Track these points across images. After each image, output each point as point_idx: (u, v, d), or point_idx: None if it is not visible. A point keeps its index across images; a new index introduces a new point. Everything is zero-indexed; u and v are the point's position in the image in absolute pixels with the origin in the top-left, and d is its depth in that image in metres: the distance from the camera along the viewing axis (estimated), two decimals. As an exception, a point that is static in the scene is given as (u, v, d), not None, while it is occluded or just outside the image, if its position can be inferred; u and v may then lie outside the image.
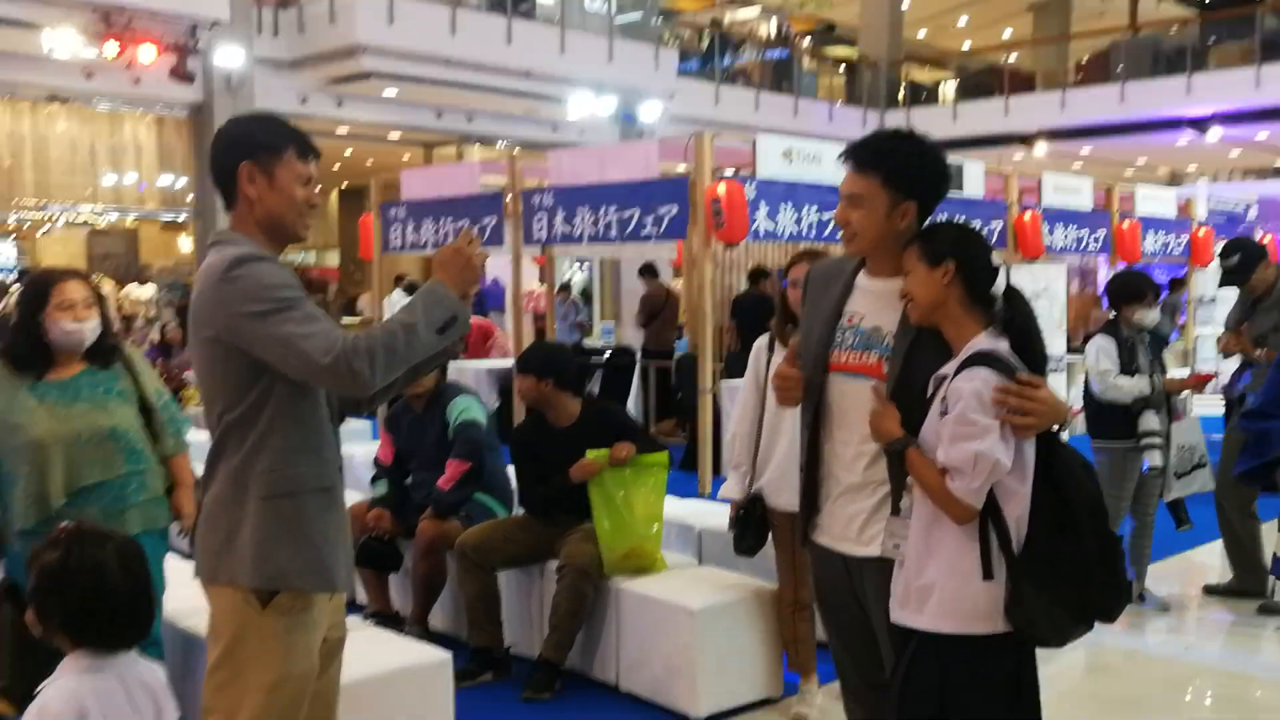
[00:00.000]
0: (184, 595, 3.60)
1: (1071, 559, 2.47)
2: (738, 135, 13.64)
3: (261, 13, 14.64)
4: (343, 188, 23.04)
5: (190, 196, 14.83)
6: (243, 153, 2.57)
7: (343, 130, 16.68)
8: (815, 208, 8.84)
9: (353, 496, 5.63)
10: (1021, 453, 2.50)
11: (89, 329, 3.68)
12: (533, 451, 4.88)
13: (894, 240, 2.68)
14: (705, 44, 20.54)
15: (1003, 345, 2.56)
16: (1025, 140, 20.58)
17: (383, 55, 14.39)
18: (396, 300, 13.10)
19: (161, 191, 15.15)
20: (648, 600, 4.42)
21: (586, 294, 17.87)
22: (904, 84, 22.58)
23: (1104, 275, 13.31)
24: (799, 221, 8.78)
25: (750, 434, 4.18)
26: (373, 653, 3.72)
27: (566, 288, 15.66)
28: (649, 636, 4.42)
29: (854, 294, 2.79)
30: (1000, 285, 2.60)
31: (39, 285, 3.73)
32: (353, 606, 5.43)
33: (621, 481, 4.61)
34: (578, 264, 18.01)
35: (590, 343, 14.03)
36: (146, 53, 12.89)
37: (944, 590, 2.50)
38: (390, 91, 15.46)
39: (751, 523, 4.16)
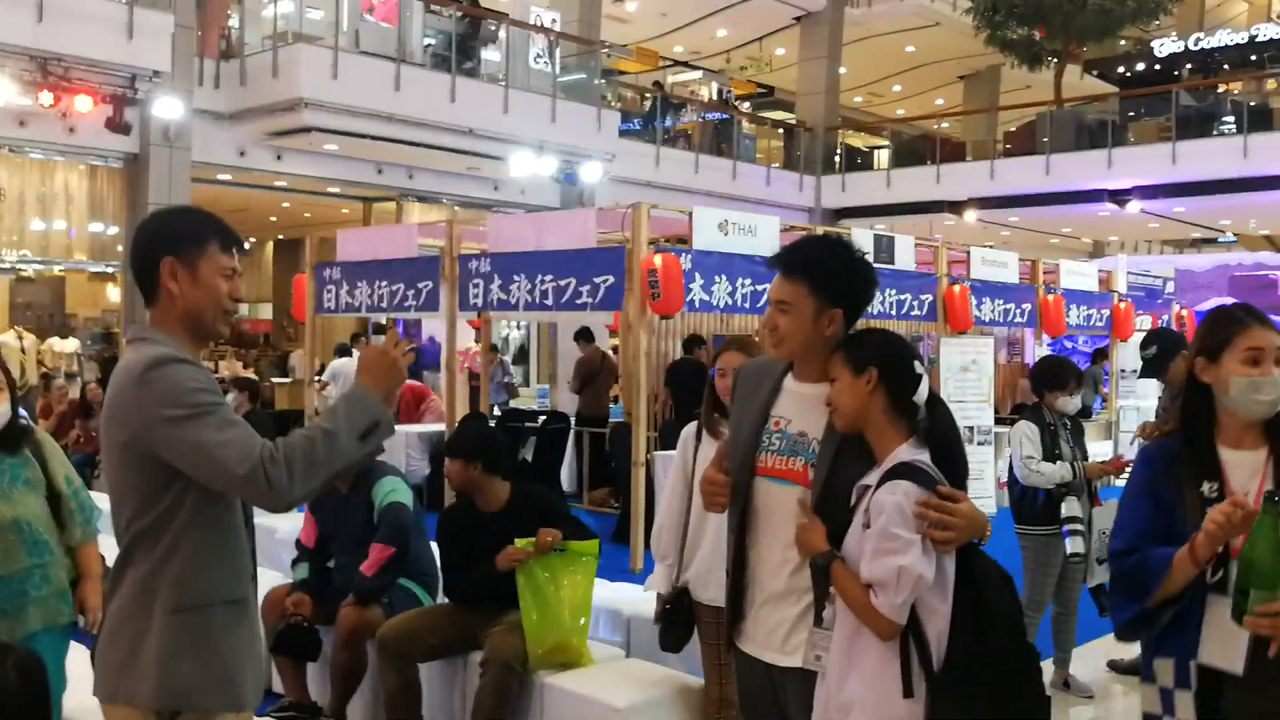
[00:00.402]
0: (86, 690, 3.48)
1: (991, 675, 2.46)
2: (677, 199, 13.78)
3: (203, 64, 14.54)
4: (278, 239, 22.85)
5: (120, 247, 14.60)
6: (165, 248, 2.53)
7: (281, 183, 16.54)
8: (749, 280, 8.91)
9: (274, 578, 5.55)
10: (942, 567, 2.51)
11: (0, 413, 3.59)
12: (461, 537, 4.79)
13: (820, 346, 2.72)
14: (647, 106, 20.73)
15: (924, 456, 2.58)
16: (955, 207, 20.99)
17: (324, 110, 14.30)
18: (338, 367, 12.97)
19: (91, 240, 14.87)
20: (573, 697, 4.36)
21: (524, 350, 17.82)
22: (840, 149, 22.95)
23: (1030, 346, 13.52)
24: (733, 294, 8.84)
25: (677, 525, 4.13)
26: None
27: (494, 349, 15.63)
28: (574, 733, 4.35)
29: (781, 397, 2.82)
30: (923, 393, 2.62)
31: None
32: (269, 696, 5.34)
33: (550, 569, 4.55)
34: (514, 324, 17.98)
35: (523, 405, 13.98)
36: (83, 103, 12.72)
37: (864, 706, 2.49)
38: (331, 146, 15.36)
39: (678, 617, 4.12)
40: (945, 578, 2.51)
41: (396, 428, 8.59)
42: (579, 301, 8.57)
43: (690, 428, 4.25)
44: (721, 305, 8.82)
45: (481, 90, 15.81)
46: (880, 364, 2.60)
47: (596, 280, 8.44)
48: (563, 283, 8.62)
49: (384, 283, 9.97)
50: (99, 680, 2.51)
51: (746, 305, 9.01)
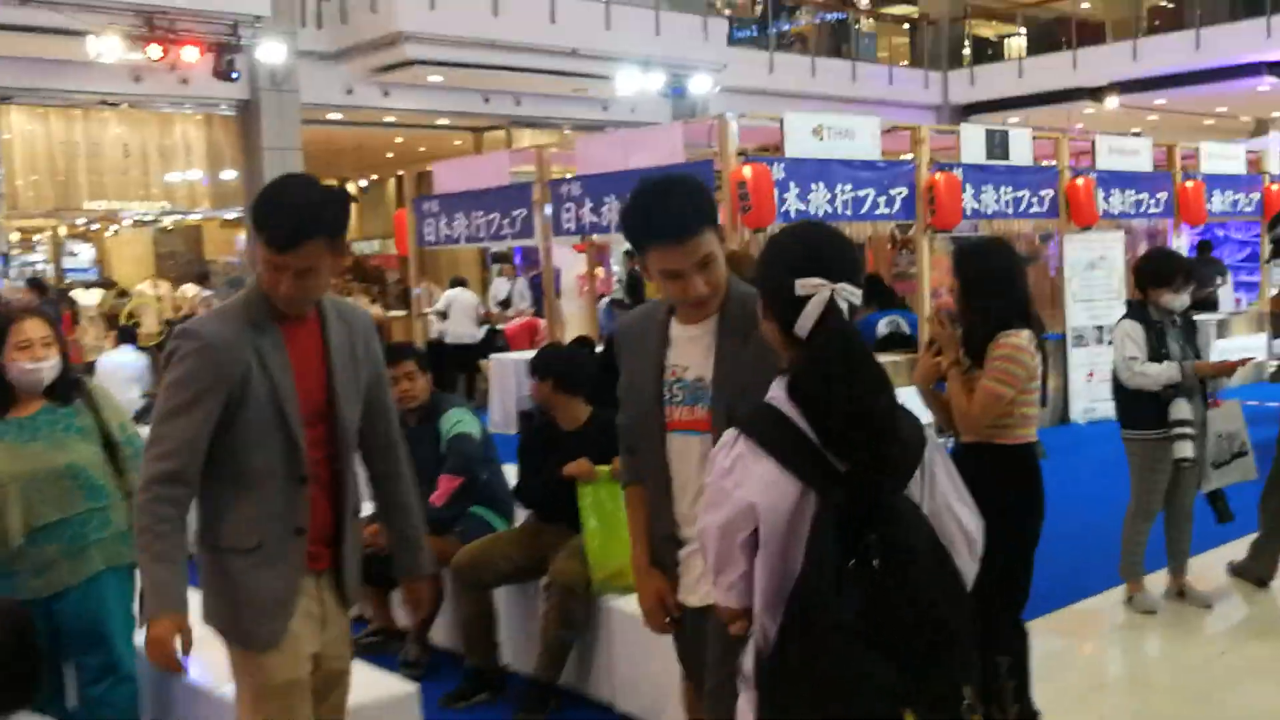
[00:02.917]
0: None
1: (786, 676, 1.97)
2: (793, 105, 13.34)
3: (304, 5, 14.67)
4: (398, 175, 23.13)
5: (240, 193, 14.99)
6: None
7: (390, 119, 16.68)
8: (849, 185, 8.61)
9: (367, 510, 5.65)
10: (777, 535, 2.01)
11: (47, 368, 3.66)
12: (536, 450, 4.84)
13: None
14: (759, 10, 20.13)
15: (780, 391, 2.07)
16: (1095, 94, 19.84)
17: (425, 42, 14.34)
18: (452, 296, 13.09)
19: (213, 188, 15.31)
20: (636, 620, 4.27)
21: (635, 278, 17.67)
22: (968, 40, 21.93)
23: (1175, 239, 12.70)
24: (832, 201, 8.53)
25: None
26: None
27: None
28: (641, 656, 4.28)
29: (673, 345, 2.65)
30: (804, 324, 2.05)
31: None
32: (357, 621, 5.44)
33: (615, 495, 4.47)
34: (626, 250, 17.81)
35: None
36: (189, 53, 12.98)
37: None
38: (435, 78, 15.41)
39: None
40: (776, 545, 2.00)
41: (514, 356, 8.69)
42: (670, 218, 8.39)
43: None
44: (820, 214, 8.52)
45: (581, 7, 15.56)
46: (764, 286, 2.16)
47: (686, 196, 8.23)
48: (652, 200, 8.43)
49: (479, 213, 9.97)
50: None
51: (848, 212, 8.70)
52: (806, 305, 2.03)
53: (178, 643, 2.50)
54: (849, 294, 2.06)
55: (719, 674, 2.48)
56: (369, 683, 3.76)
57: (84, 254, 20.35)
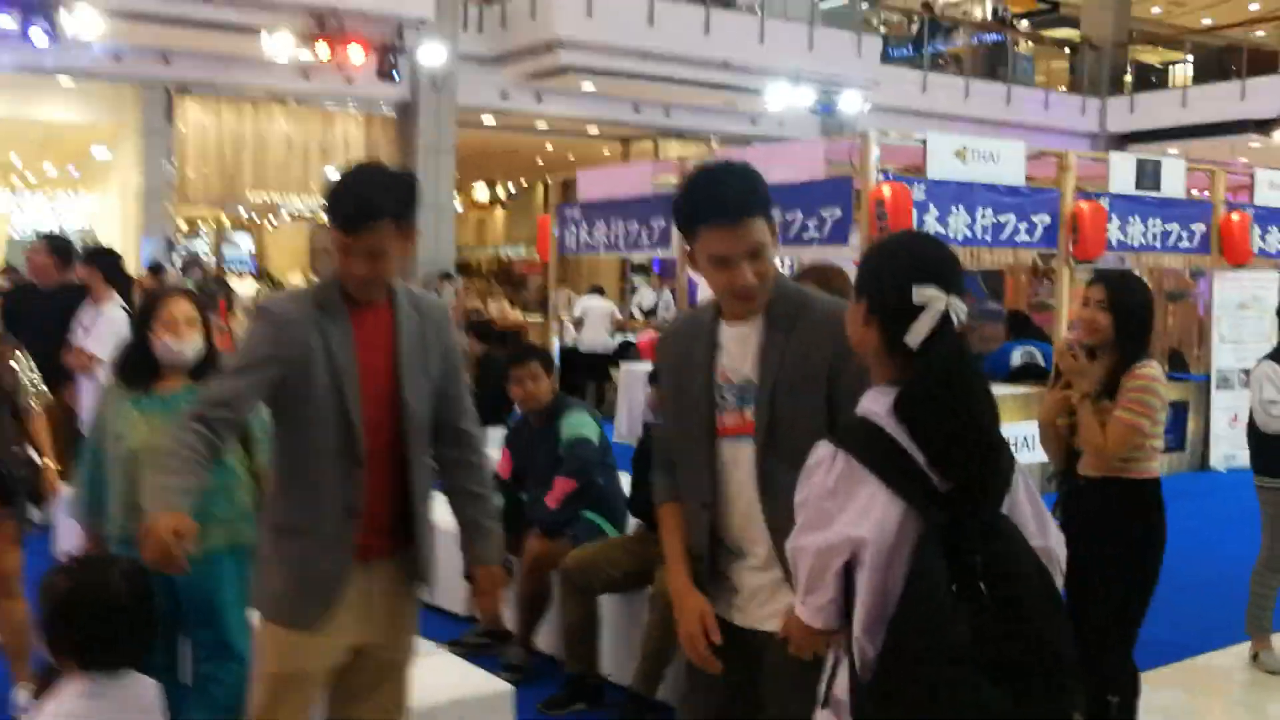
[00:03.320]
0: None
1: (893, 702, 1.89)
2: (943, 128, 13.15)
3: (466, 10, 15.09)
4: (547, 181, 23.57)
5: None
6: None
7: (542, 124, 17.00)
8: (989, 210, 8.45)
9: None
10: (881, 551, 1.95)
11: (189, 348, 3.79)
12: (651, 459, 4.84)
13: None
14: (914, 30, 19.88)
15: (880, 406, 1.99)
16: (1263, 126, 18.98)
17: (581, 49, 14.60)
18: (588, 304, 13.28)
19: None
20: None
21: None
22: (1129, 67, 21.24)
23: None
24: (971, 226, 8.40)
25: None
26: (437, 681, 3.75)
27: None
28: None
29: (722, 349, 2.53)
30: (917, 335, 1.98)
31: (148, 302, 3.93)
32: (466, 620, 5.57)
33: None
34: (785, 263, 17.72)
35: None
36: (356, 53, 13.48)
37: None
38: (588, 85, 15.67)
39: None
40: (879, 568, 1.93)
41: (644, 366, 8.66)
42: (806, 236, 8.38)
43: None
44: (959, 238, 8.40)
45: (736, 20, 15.64)
46: (870, 292, 2.06)
47: (823, 213, 8.23)
48: (788, 216, 8.44)
49: (620, 221, 10.10)
50: None
51: (987, 238, 8.55)
52: (921, 316, 1.97)
53: (174, 539, 2.40)
54: (960, 309, 2.00)
55: (785, 700, 2.43)
56: (467, 679, 3.88)
57: (243, 244, 21.31)
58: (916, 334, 1.96)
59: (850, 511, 1.92)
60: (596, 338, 12.86)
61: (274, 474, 2.80)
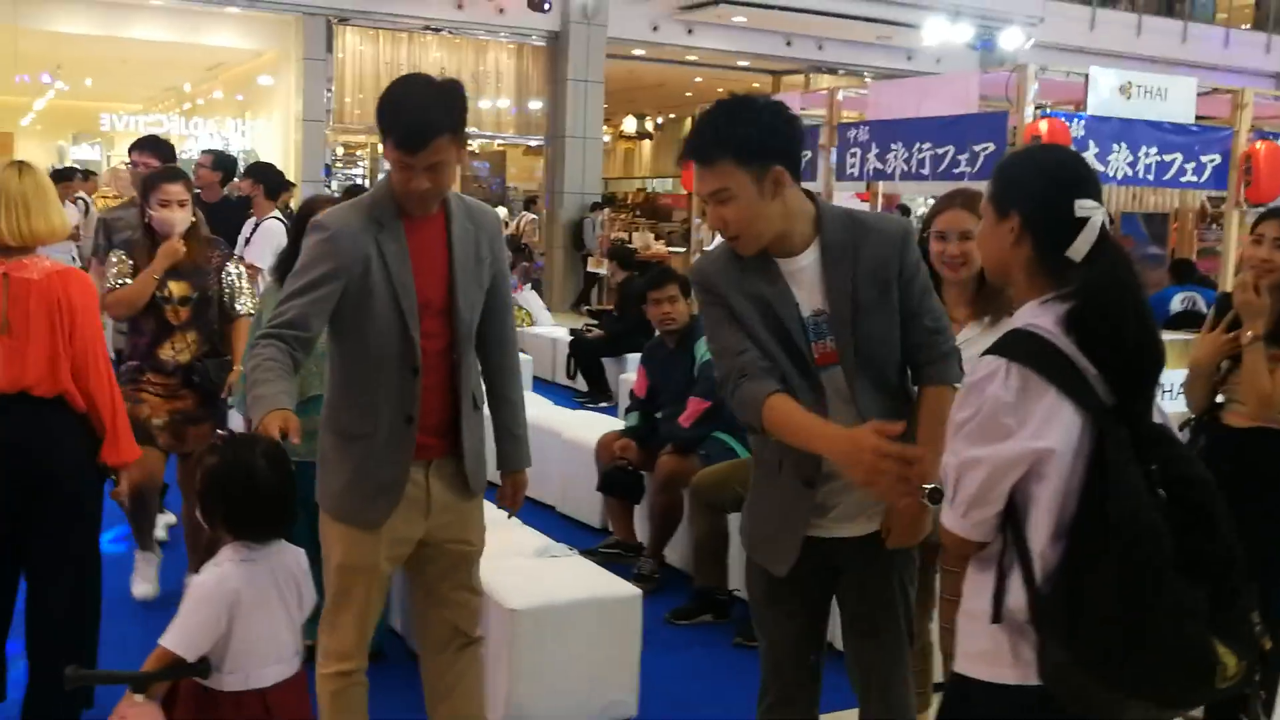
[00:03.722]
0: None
1: (1094, 608, 1.83)
2: (1113, 66, 12.55)
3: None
4: (694, 115, 23.42)
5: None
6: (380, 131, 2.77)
7: (691, 57, 16.89)
8: (1154, 149, 8.07)
9: (610, 424, 5.93)
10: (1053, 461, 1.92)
11: None
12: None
13: (775, 210, 2.41)
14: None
15: (1046, 319, 1.95)
16: None
17: (734, -19, 14.44)
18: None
19: (519, 116, 16.02)
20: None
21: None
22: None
23: None
24: (1134, 164, 8.04)
25: None
26: (571, 582, 3.88)
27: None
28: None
29: (785, 280, 2.49)
30: (1082, 247, 1.96)
31: (305, 208, 4.10)
32: (600, 532, 5.71)
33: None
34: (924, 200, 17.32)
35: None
36: (508, -17, 13.63)
37: (962, 627, 2.09)
38: (739, 18, 15.48)
39: None
40: (1061, 480, 1.90)
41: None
42: (956, 171, 8.15)
43: None
44: (1120, 176, 8.06)
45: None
46: (1026, 207, 2.01)
47: (975, 148, 7.98)
48: (940, 150, 8.22)
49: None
50: None
51: (1150, 177, 8.18)
52: (1084, 228, 1.95)
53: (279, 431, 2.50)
54: (1107, 221, 2.00)
55: (870, 607, 2.56)
56: (599, 582, 3.97)
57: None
58: (1081, 246, 1.95)
59: (1032, 424, 1.89)
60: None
61: (333, 381, 2.87)
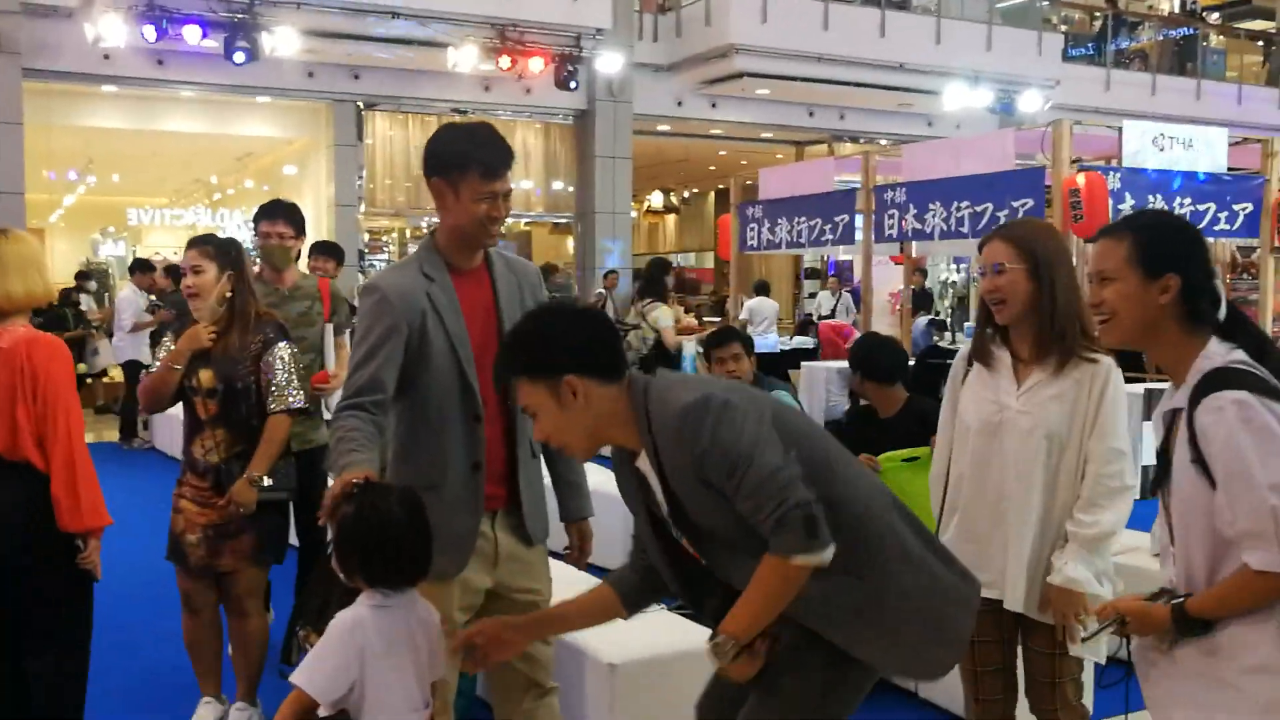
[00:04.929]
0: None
1: None
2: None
3: (643, 19, 15.36)
4: (718, 189, 23.70)
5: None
6: (432, 169, 2.85)
7: (716, 131, 17.14)
8: (1189, 199, 8.17)
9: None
10: None
11: None
12: (850, 437, 4.92)
13: (579, 426, 2.42)
14: (1096, 27, 19.31)
15: (1237, 355, 2.11)
16: None
17: (755, 54, 14.70)
18: (754, 306, 13.32)
19: (547, 195, 16.24)
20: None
21: (964, 300, 17.21)
22: (1333, 58, 20.19)
23: None
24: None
25: (940, 476, 3.32)
26: (660, 638, 3.87)
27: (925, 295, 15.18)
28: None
29: (647, 478, 2.51)
30: (1224, 312, 2.19)
31: None
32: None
33: (907, 483, 4.47)
34: (954, 263, 17.41)
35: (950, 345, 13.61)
36: (535, 64, 13.91)
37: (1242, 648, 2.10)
38: (762, 90, 15.74)
39: None
40: None
41: (824, 364, 8.72)
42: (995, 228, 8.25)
43: (964, 348, 3.38)
44: (1158, 228, 8.13)
45: (911, 21, 15.52)
46: (1187, 271, 2.15)
47: (1014, 204, 8.08)
48: (979, 208, 8.33)
49: (802, 218, 10.11)
50: None
51: (1187, 227, 8.24)
52: (1218, 290, 2.17)
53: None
54: None
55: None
56: (691, 635, 3.92)
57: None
58: (1223, 310, 2.17)
59: None
60: (764, 339, 12.84)
61: (398, 435, 2.91)
